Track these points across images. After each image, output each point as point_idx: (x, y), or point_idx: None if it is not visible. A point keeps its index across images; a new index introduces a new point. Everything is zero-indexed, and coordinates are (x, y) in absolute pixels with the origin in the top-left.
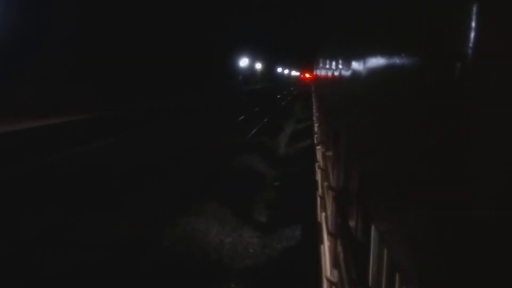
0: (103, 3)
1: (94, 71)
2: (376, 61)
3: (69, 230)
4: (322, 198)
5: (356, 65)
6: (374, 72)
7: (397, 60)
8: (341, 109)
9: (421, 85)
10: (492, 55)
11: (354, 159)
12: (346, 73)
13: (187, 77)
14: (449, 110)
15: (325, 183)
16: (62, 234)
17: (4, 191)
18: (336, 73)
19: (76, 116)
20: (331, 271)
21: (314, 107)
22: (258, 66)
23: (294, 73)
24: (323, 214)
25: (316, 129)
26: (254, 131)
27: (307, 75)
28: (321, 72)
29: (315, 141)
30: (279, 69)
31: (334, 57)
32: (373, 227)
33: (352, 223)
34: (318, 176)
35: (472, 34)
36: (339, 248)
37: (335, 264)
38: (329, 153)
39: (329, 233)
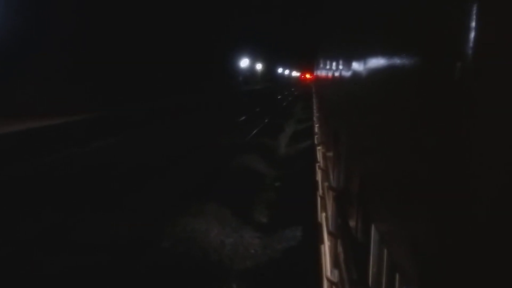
0: (103, 3)
1: (94, 71)
2: (376, 62)
3: (69, 230)
4: (323, 198)
5: (356, 65)
6: (374, 73)
7: (397, 61)
8: (341, 109)
9: (421, 85)
10: (492, 55)
11: (355, 159)
12: (346, 73)
13: (187, 77)
14: (449, 110)
15: (326, 183)
16: (62, 234)
17: (4, 191)
18: (336, 74)
19: (76, 117)
20: (331, 271)
21: (314, 107)
22: (259, 66)
23: (295, 73)
24: (323, 214)
25: (316, 129)
26: (254, 131)
27: (308, 76)
28: (321, 73)
29: (316, 142)
30: (280, 70)
31: (334, 57)
32: (373, 227)
33: (352, 223)
34: (319, 176)
35: (472, 35)
36: (340, 248)
37: (335, 264)
38: (330, 154)
39: (329, 233)
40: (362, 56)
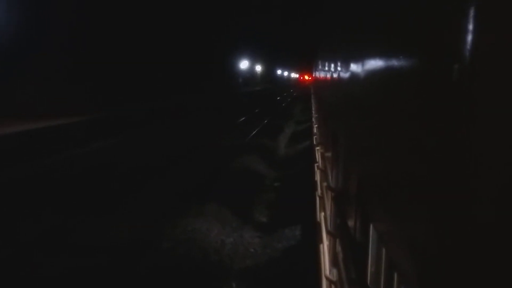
0: (103, 3)
1: (94, 71)
2: (375, 63)
3: (69, 232)
4: (321, 198)
5: (354, 67)
6: (372, 74)
7: (395, 62)
8: (340, 111)
9: (419, 86)
10: (490, 57)
11: (353, 160)
12: (345, 75)
13: (187, 77)
14: (447, 111)
15: (324, 184)
16: (62, 236)
17: (5, 192)
18: (335, 75)
19: (76, 117)
20: (330, 270)
21: (313, 108)
22: (258, 68)
23: (294, 75)
24: (322, 214)
25: (315, 130)
26: (254, 132)
27: (306, 77)
28: (320, 74)
29: (314, 142)
30: (279, 71)
31: (332, 59)
32: (371, 227)
33: (350, 223)
34: (317, 177)
35: (470, 36)
36: (338, 248)
37: (334, 263)
38: (328, 154)
39: (328, 232)
40: (360, 57)
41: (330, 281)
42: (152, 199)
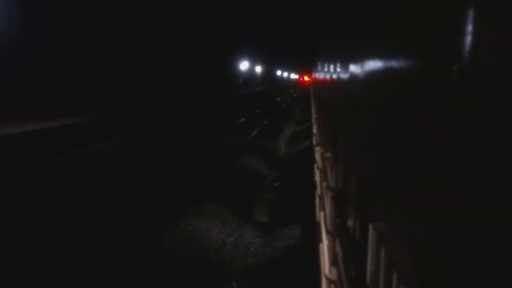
0: (103, 3)
1: (94, 71)
2: (374, 64)
3: (69, 232)
4: (321, 198)
5: (353, 67)
6: (372, 75)
7: (395, 62)
8: (339, 111)
9: (419, 86)
10: (490, 57)
11: (352, 160)
12: (344, 75)
13: (187, 77)
14: (447, 112)
15: (324, 184)
16: (62, 236)
17: (5, 193)
18: (334, 76)
19: (76, 117)
20: (330, 270)
21: (313, 109)
22: (258, 69)
23: (293, 76)
24: (322, 213)
25: (315, 130)
26: (254, 132)
27: (306, 78)
28: (319, 75)
29: (314, 143)
30: (279, 72)
31: (332, 60)
32: (371, 227)
33: (350, 223)
34: (317, 177)
35: (470, 36)
36: (338, 247)
37: (333, 262)
38: (328, 154)
39: (327, 232)
40: (359, 58)
41: (329, 281)
42: (152, 199)
